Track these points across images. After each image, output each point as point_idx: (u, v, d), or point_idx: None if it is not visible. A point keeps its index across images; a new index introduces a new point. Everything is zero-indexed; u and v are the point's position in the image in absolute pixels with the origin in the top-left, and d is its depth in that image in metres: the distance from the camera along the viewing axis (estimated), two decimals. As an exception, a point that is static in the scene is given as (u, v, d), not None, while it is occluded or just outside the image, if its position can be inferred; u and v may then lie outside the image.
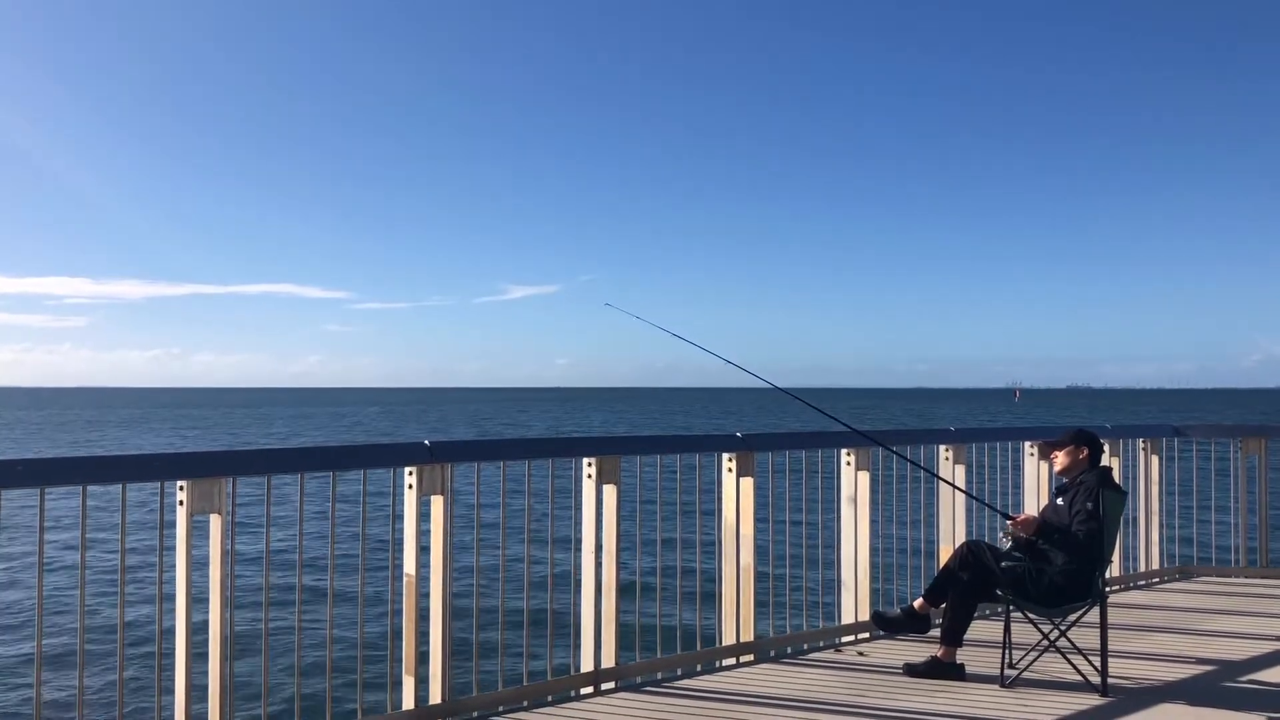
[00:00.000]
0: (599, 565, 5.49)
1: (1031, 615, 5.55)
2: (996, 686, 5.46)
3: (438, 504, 4.94)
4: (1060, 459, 5.80)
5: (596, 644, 5.48)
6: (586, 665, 5.47)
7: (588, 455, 5.49)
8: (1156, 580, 8.54)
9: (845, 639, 6.50)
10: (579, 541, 5.55)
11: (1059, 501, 5.69)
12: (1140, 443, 8.64)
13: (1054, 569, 5.47)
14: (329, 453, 4.94)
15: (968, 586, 5.55)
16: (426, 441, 4.90)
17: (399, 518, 4.87)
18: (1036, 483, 7.79)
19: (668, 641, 5.92)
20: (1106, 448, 8.21)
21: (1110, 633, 6.64)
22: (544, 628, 5.41)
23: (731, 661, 6.02)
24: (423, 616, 4.90)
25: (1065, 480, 5.76)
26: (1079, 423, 7.04)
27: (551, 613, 5.44)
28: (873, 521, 6.76)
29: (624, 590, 5.76)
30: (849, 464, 6.67)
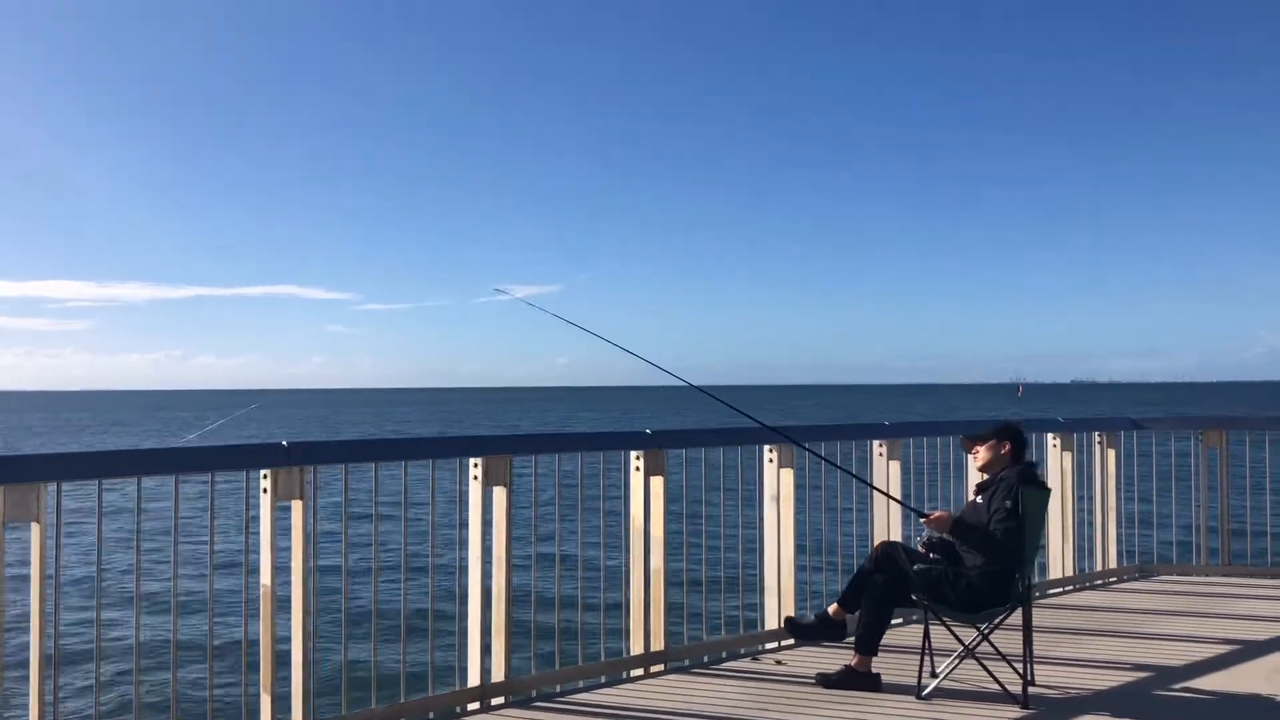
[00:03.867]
0: (485, 573, 5.15)
1: (949, 621, 5.21)
2: (912, 698, 5.11)
3: (296, 509, 4.60)
4: (980, 454, 5.45)
5: (484, 656, 5.13)
6: (473, 679, 5.13)
7: (473, 456, 5.15)
8: (1114, 580, 8.18)
9: (770, 645, 6.15)
10: (464, 542, 5.20)
11: (978, 500, 5.35)
12: (1096, 436, 8.29)
13: (972, 571, 5.12)
14: (171, 455, 4.59)
15: (882, 590, 5.20)
16: (284, 442, 4.56)
17: (254, 522, 4.53)
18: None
19: (571, 652, 5.57)
20: (1057, 443, 7.88)
21: (1052, 637, 6.35)
22: (424, 637, 5.07)
23: (640, 672, 5.67)
24: (281, 640, 4.57)
25: (987, 477, 5.41)
26: (1040, 416, 6.73)
27: (431, 619, 5.09)
28: (798, 521, 6.42)
29: (522, 599, 5.43)
30: (771, 461, 6.32)
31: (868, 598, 5.24)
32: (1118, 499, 8.29)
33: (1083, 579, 8.01)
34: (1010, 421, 5.53)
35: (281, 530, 4.62)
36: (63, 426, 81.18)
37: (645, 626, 5.71)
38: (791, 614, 5.83)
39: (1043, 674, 5.47)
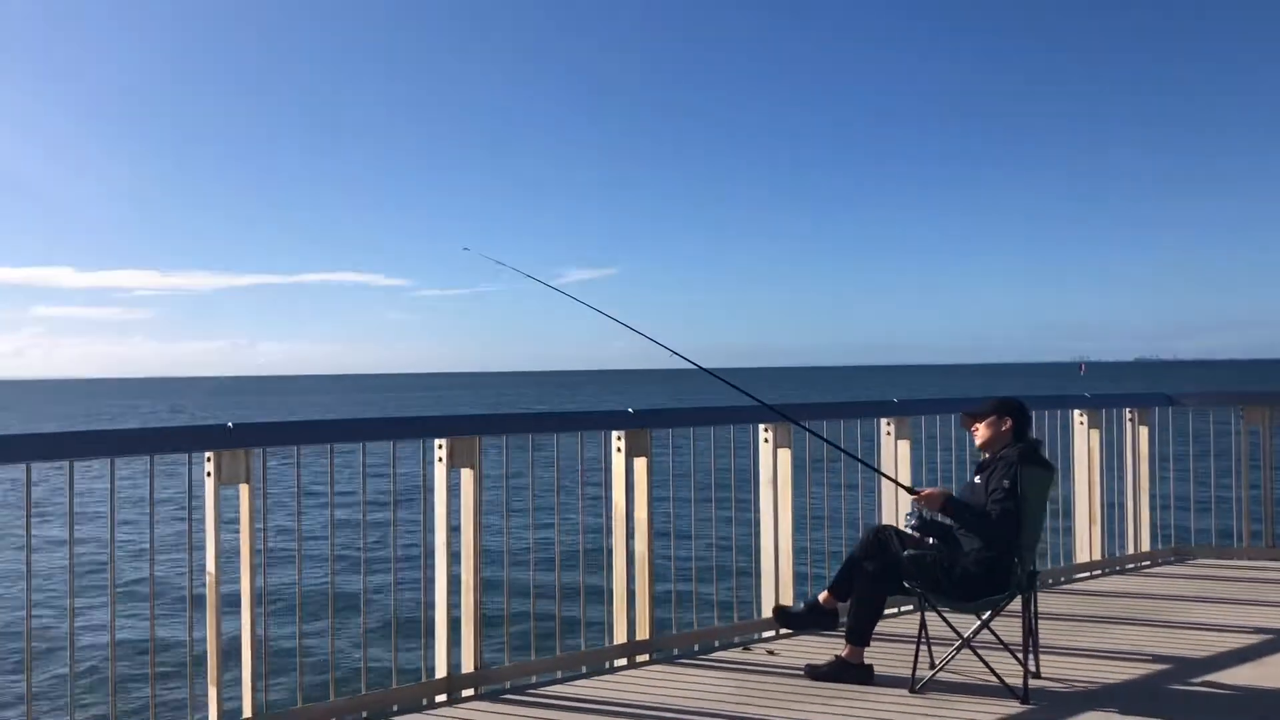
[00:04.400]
0: (453, 559, 4.90)
1: (944, 610, 4.87)
2: (905, 691, 4.80)
3: (244, 493, 4.38)
4: (980, 431, 5.08)
5: (451, 646, 4.89)
6: (440, 671, 4.89)
7: (437, 436, 4.90)
8: (1146, 564, 7.76)
9: (766, 634, 5.85)
10: (430, 527, 4.96)
11: (976, 480, 4.99)
12: (1127, 413, 7.85)
13: (968, 557, 4.78)
14: (105, 436, 4.39)
15: (873, 577, 4.88)
16: (230, 423, 4.33)
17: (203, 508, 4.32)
18: None
19: (549, 643, 5.32)
20: (1084, 420, 7.46)
21: (1069, 625, 5.98)
22: (387, 628, 4.84)
23: (623, 662, 5.40)
24: (230, 630, 4.36)
25: (986, 456, 5.05)
26: (1097, 390, 6.35)
27: (394, 608, 4.85)
28: (797, 504, 6.10)
29: (494, 587, 5.18)
30: (766, 440, 6.00)
31: (858, 585, 4.92)
32: (1151, 479, 7.86)
33: (1112, 562, 7.60)
34: (1011, 397, 5.16)
35: (231, 516, 4.41)
36: (98, 414, 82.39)
37: (629, 615, 5.44)
38: (781, 603, 5.51)
39: (1051, 665, 5.13)
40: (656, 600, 5.60)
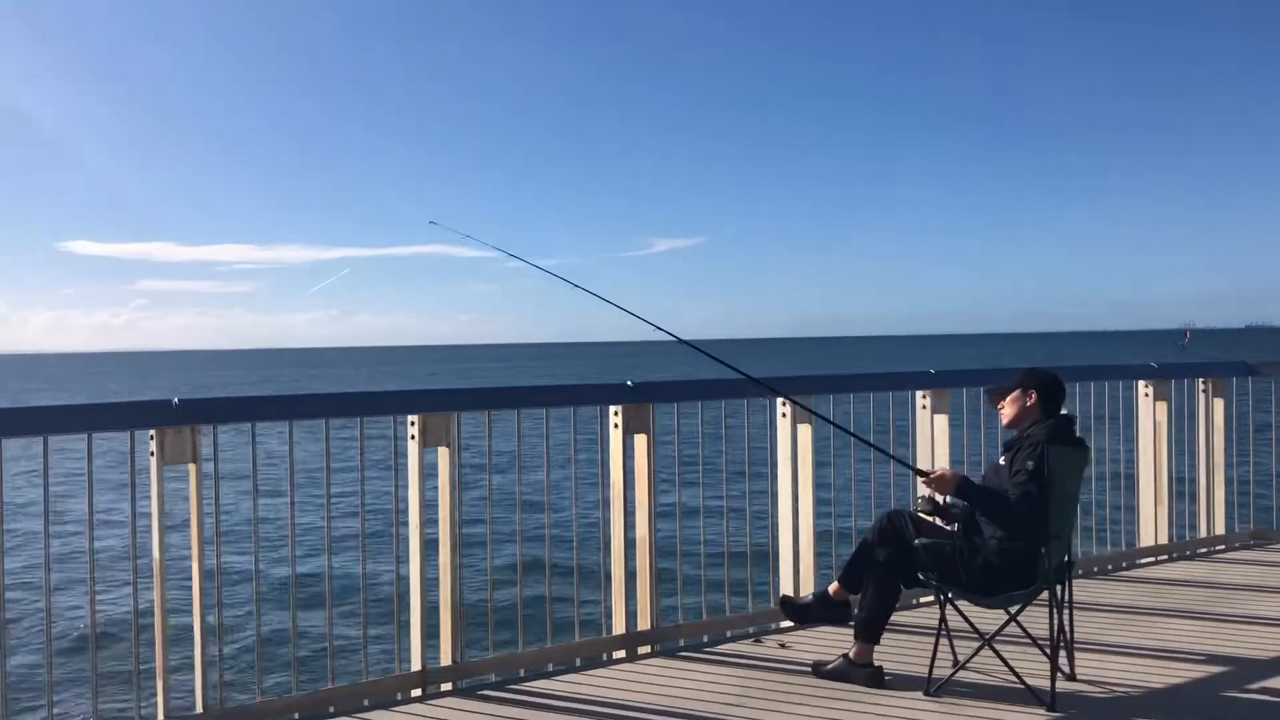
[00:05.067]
0: (428, 543, 4.56)
1: (963, 605, 4.39)
2: (919, 694, 4.33)
3: (192, 473, 4.09)
4: (1005, 409, 4.56)
5: (427, 637, 4.56)
6: (414, 664, 4.57)
7: (408, 412, 4.55)
8: (1220, 549, 7.12)
9: (785, 625, 5.41)
10: (423, 512, 4.62)
11: (1001, 461, 4.49)
12: (1200, 384, 7.19)
13: (989, 546, 4.29)
14: (41, 413, 4.14)
15: (885, 568, 4.41)
16: (175, 400, 4.04)
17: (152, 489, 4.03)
18: None
19: (540, 634, 4.96)
20: (1150, 392, 6.84)
21: (1120, 618, 5.43)
22: (357, 618, 4.53)
23: (622, 655, 5.03)
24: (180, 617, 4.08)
25: (1014, 435, 4.54)
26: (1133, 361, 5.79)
27: (364, 596, 4.53)
28: (819, 485, 5.64)
29: (480, 573, 4.84)
30: (785, 415, 5.54)
31: (869, 577, 4.46)
32: (1227, 455, 7.20)
33: (1181, 547, 6.98)
34: (1040, 368, 4.62)
35: (181, 496, 4.13)
36: (173, 387, 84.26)
37: (627, 604, 5.06)
38: (788, 594, 5.06)
39: (1091, 665, 4.62)
40: (661, 588, 5.21)
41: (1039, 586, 4.19)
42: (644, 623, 5.10)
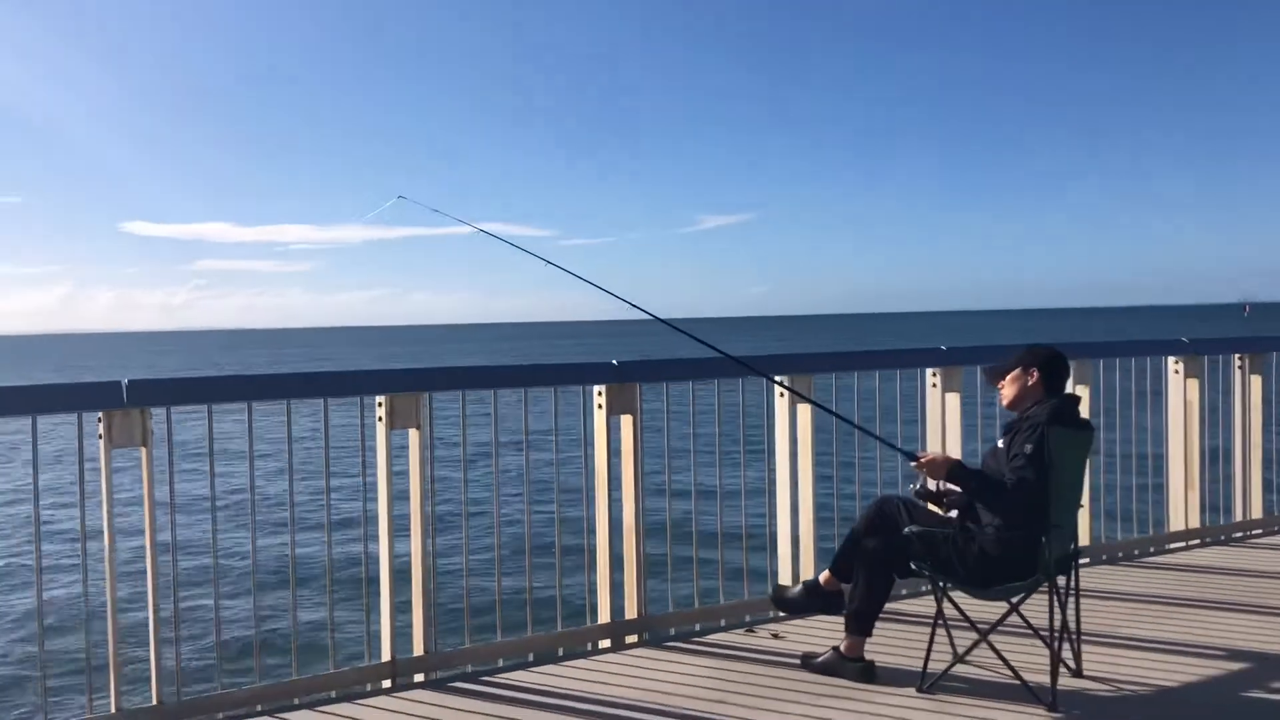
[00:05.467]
0: (395, 528, 4.36)
1: (960, 596, 4.13)
2: (912, 691, 4.08)
3: (144, 456, 3.91)
4: (1006, 388, 4.27)
5: (395, 627, 4.37)
6: (385, 654, 4.38)
7: (375, 393, 4.35)
8: (1257, 533, 6.75)
9: (780, 614, 5.15)
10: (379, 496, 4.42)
11: (999, 444, 4.19)
12: (1236, 360, 6.81)
13: (986, 534, 4.01)
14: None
15: (876, 557, 4.15)
16: (125, 381, 3.86)
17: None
18: None
19: (520, 622, 4.76)
20: (1181, 368, 6.48)
21: (1140, 607, 5.13)
22: (323, 606, 4.35)
23: (607, 644, 4.81)
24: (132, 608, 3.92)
25: (1015, 416, 4.24)
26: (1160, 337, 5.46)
27: (329, 583, 4.35)
28: (820, 466, 5.37)
29: (456, 557, 4.64)
30: (782, 395, 5.28)
31: (859, 566, 4.20)
32: (1265, 435, 6.83)
33: (1214, 532, 6.63)
34: (1042, 345, 4.31)
35: (131, 480, 3.97)
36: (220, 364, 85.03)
37: (612, 591, 4.84)
38: (779, 584, 4.80)
39: (1100, 659, 4.34)
40: (650, 575, 4.99)
41: (1038, 579, 3.91)
42: (630, 611, 4.89)
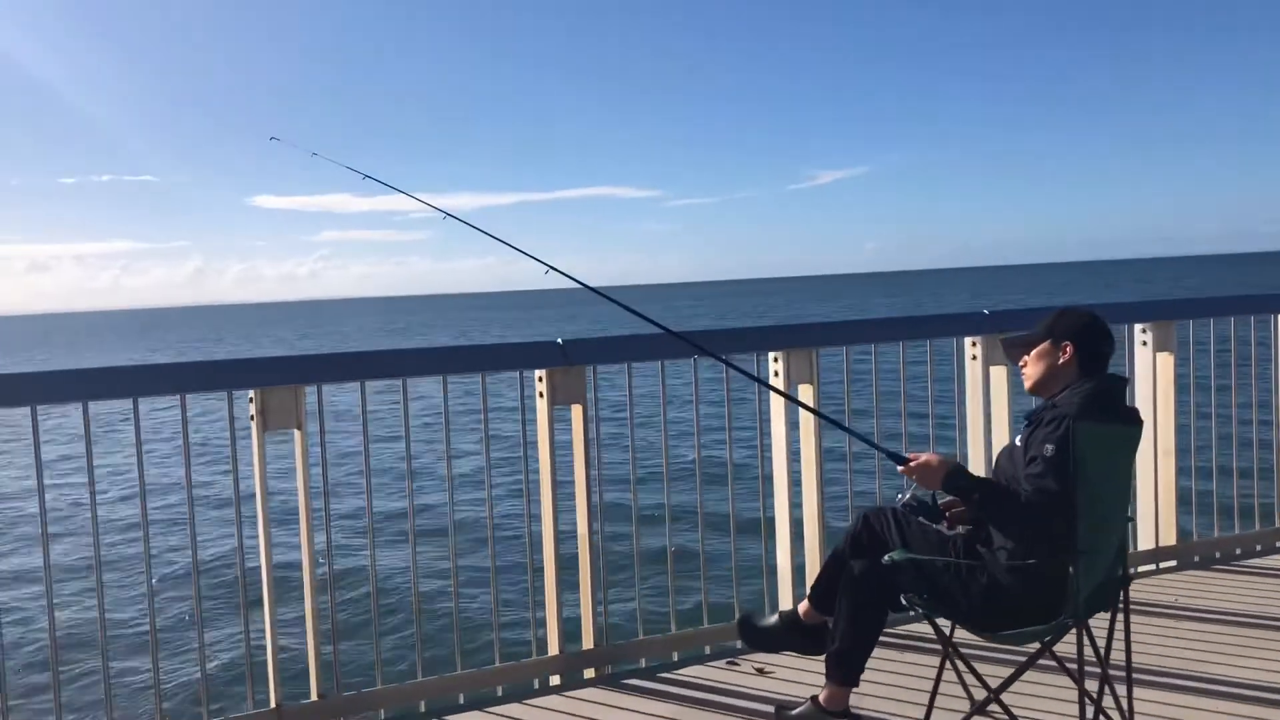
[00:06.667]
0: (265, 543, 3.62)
1: (964, 641, 3.19)
2: (907, 755, 3.18)
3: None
4: (1030, 367, 3.28)
5: (278, 678, 3.64)
6: (274, 697, 3.65)
7: (243, 387, 3.59)
8: None
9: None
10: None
11: (1017, 441, 3.22)
12: None
13: (997, 561, 3.07)
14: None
15: (859, 588, 3.23)
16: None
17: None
18: (1159, 391, 5.06)
19: (447, 657, 3.99)
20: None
21: (1218, 634, 4.08)
22: (189, 646, 3.63)
23: (557, 680, 4.01)
24: None
25: (1041, 403, 3.26)
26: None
27: (199, 611, 3.62)
28: (830, 461, 4.46)
29: (358, 582, 3.88)
30: (777, 375, 4.37)
31: (841, 597, 3.29)
32: None
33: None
34: (1076, 307, 3.30)
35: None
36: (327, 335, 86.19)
37: (561, 618, 4.03)
38: (749, 612, 3.87)
39: (1166, 703, 3.36)
40: (611, 597, 4.16)
41: (1062, 625, 2.94)
42: (587, 641, 4.07)
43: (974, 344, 4.74)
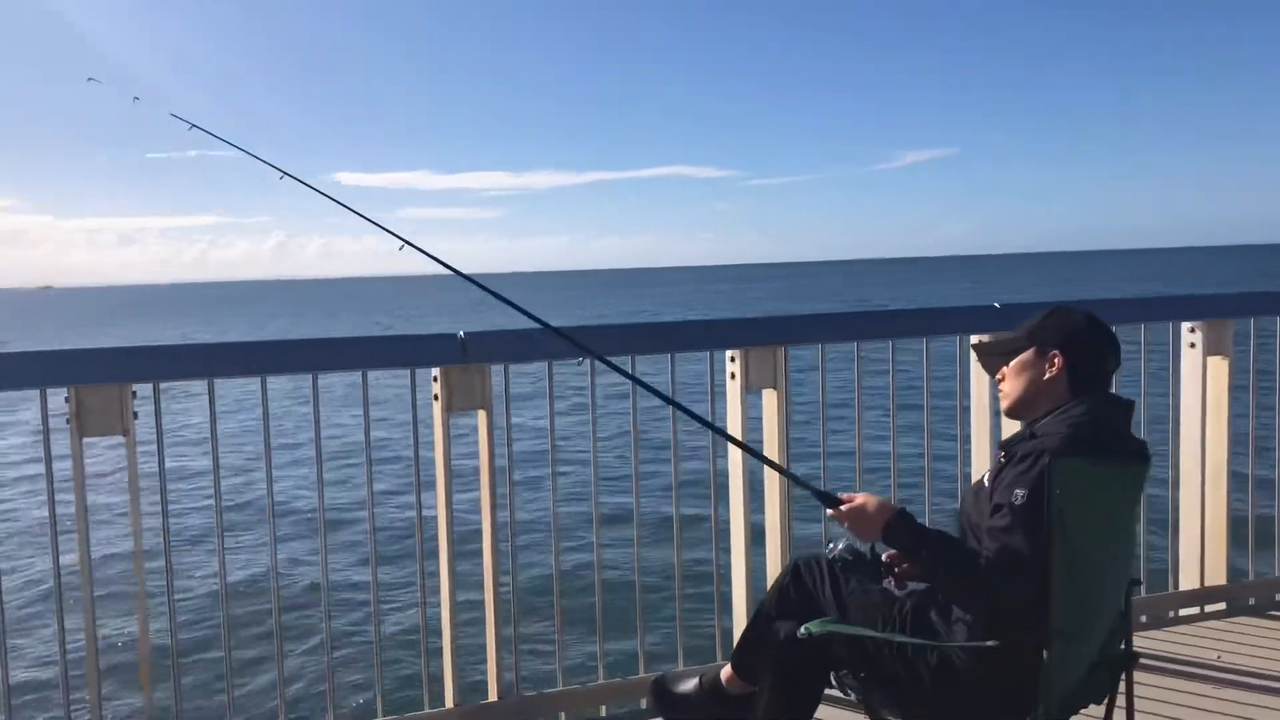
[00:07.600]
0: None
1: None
2: None
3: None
4: (1007, 381, 2.54)
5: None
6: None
7: (56, 385, 2.98)
8: None
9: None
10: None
11: (984, 479, 2.48)
12: None
13: (953, 634, 2.35)
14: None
15: (787, 656, 2.53)
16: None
17: None
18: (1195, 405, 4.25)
19: (316, 711, 3.37)
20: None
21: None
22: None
23: None
24: None
25: (1021, 428, 2.52)
26: None
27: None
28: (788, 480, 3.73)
29: (195, 624, 3.26)
30: (734, 377, 3.65)
31: (766, 668, 2.59)
32: None
33: None
34: (1067, 305, 2.55)
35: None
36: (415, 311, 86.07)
37: (456, 666, 3.39)
38: (664, 673, 3.18)
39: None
40: (524, 638, 3.51)
41: (1034, 722, 2.21)
42: (491, 693, 3.42)
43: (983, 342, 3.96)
